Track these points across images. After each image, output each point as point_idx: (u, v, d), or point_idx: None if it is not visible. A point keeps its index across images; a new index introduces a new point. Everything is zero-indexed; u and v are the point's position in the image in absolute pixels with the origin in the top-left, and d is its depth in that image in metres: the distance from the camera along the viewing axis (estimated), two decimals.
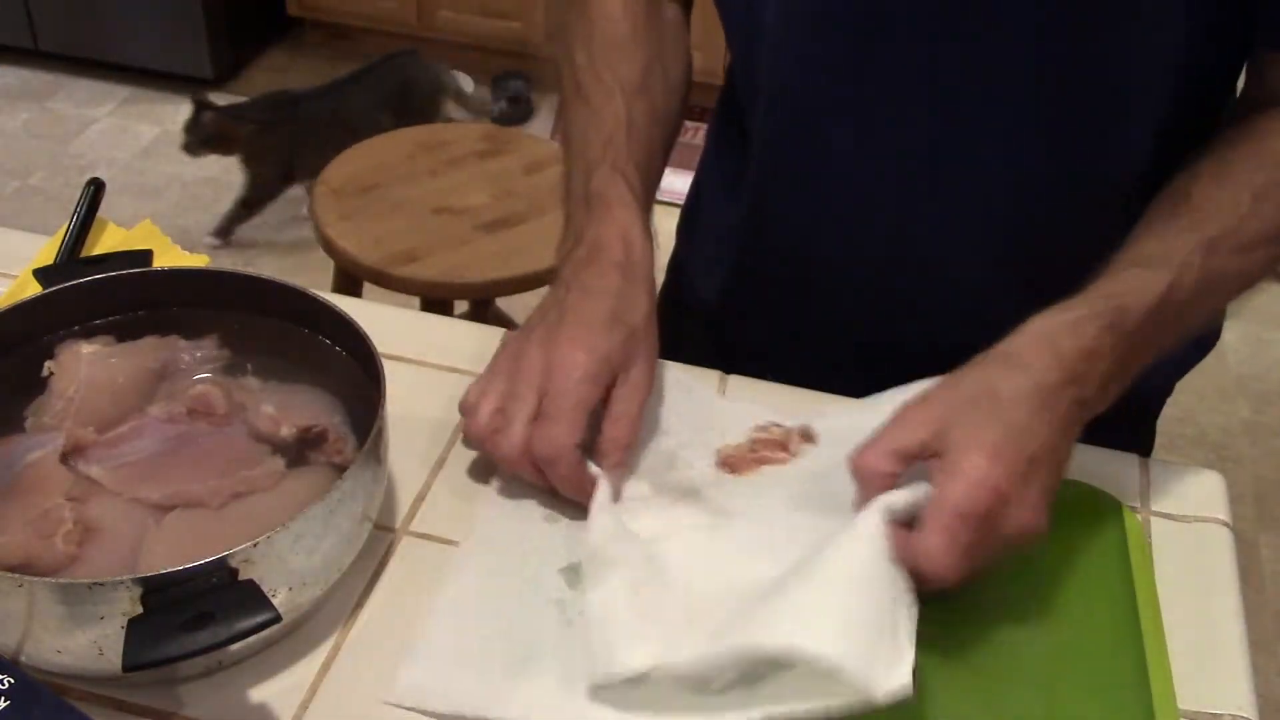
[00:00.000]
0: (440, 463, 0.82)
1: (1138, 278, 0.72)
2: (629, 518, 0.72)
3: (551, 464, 0.72)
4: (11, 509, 0.68)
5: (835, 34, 0.82)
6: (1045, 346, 0.69)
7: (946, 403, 0.69)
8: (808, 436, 0.77)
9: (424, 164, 1.97)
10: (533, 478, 0.74)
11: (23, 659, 0.63)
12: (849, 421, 0.75)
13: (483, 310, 2.10)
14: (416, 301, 1.82)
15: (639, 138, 0.84)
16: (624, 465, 0.74)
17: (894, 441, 0.68)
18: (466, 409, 0.76)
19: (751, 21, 0.86)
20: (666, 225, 0.98)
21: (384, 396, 0.70)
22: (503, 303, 2.15)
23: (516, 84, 3.22)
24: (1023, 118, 0.81)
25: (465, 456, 0.82)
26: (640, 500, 0.74)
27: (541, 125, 3.18)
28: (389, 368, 0.72)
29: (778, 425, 0.80)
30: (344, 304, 0.78)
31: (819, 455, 0.77)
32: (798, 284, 0.96)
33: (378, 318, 0.84)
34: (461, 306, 2.02)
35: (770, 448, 0.77)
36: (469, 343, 0.92)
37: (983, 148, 0.82)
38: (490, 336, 0.92)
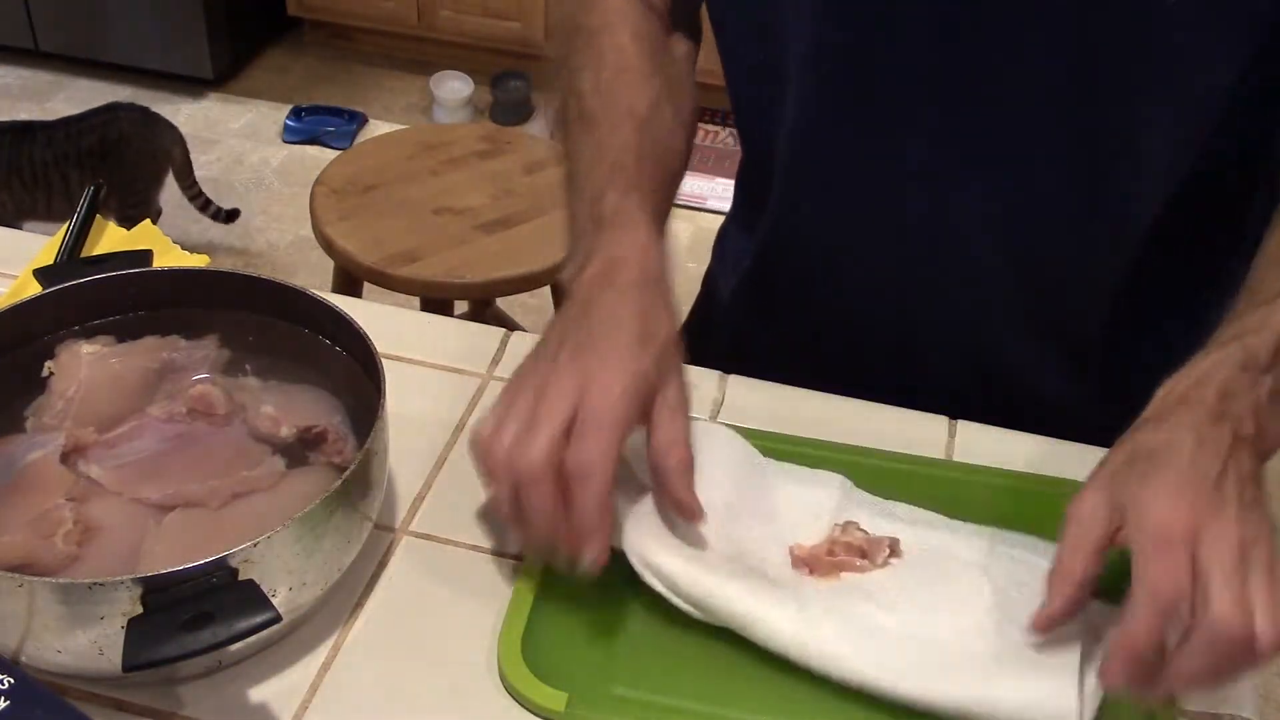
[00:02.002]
0: (440, 463, 0.82)
1: (1261, 314, 0.70)
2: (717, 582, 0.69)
3: (583, 480, 0.64)
4: (11, 509, 0.68)
5: (854, 69, 0.82)
6: (1179, 401, 0.67)
7: (1106, 483, 0.65)
8: (895, 551, 0.73)
9: (424, 164, 1.97)
10: (542, 503, 0.65)
11: (23, 659, 0.63)
12: (937, 542, 0.73)
13: (482, 310, 2.10)
14: (416, 301, 1.82)
15: (647, 168, 0.79)
16: (692, 502, 0.69)
17: (1083, 540, 0.65)
18: (483, 432, 0.68)
19: (769, 62, 0.86)
20: (676, 226, 0.98)
21: (384, 396, 0.70)
22: (503, 302, 2.15)
23: (516, 84, 3.22)
24: (1038, 143, 0.81)
25: (465, 456, 0.82)
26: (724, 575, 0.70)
27: (541, 125, 3.18)
28: (389, 368, 0.72)
29: (859, 528, 0.74)
30: (344, 304, 0.78)
31: (906, 572, 0.72)
32: (813, 298, 0.97)
33: (378, 318, 0.84)
34: (461, 306, 2.02)
35: (851, 553, 0.73)
36: (469, 343, 0.92)
37: (999, 172, 0.82)
38: (490, 336, 0.92)
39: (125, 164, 2.46)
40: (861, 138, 0.85)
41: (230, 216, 2.67)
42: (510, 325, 1.91)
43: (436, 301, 1.82)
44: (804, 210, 0.92)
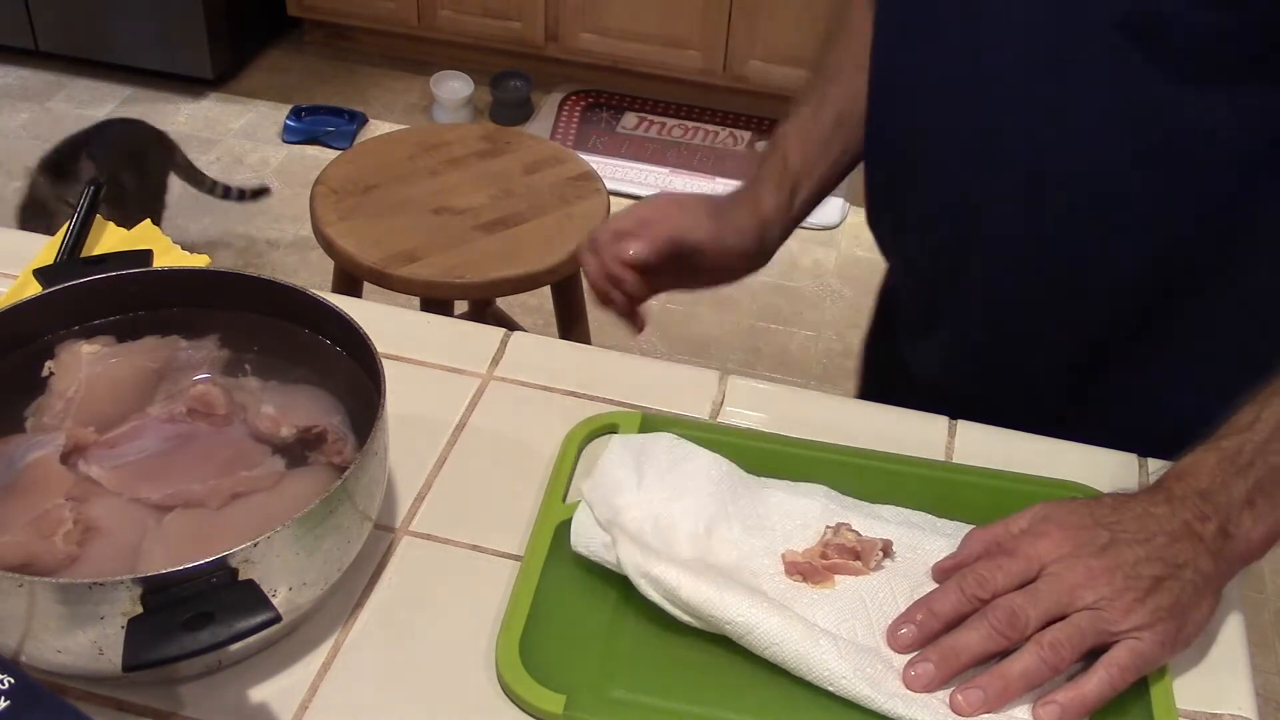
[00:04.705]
0: (440, 463, 0.82)
1: (1251, 412, 0.72)
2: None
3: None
4: (11, 509, 0.68)
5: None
6: (1152, 487, 0.72)
7: (1049, 503, 0.72)
8: (888, 552, 0.74)
9: (424, 164, 1.97)
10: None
11: (23, 659, 0.63)
12: (929, 544, 0.75)
13: (482, 310, 2.10)
14: (416, 301, 1.82)
15: (816, 133, 0.98)
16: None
17: (993, 526, 0.73)
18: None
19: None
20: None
21: (384, 396, 0.70)
22: (503, 302, 2.15)
23: (516, 84, 3.22)
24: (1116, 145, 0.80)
25: (465, 456, 0.82)
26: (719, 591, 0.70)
27: (541, 125, 3.18)
28: (389, 368, 0.72)
29: (850, 529, 0.75)
30: (344, 304, 0.78)
31: (899, 572, 0.73)
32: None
33: (378, 318, 0.84)
34: (461, 306, 2.02)
35: (844, 554, 0.73)
36: (469, 343, 0.92)
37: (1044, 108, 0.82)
38: (490, 336, 0.92)
39: (148, 168, 2.50)
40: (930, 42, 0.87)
41: (257, 194, 2.69)
42: (510, 325, 1.91)
43: (436, 301, 1.82)
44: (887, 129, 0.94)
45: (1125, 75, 0.77)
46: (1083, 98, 0.80)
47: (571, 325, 1.97)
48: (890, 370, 1.06)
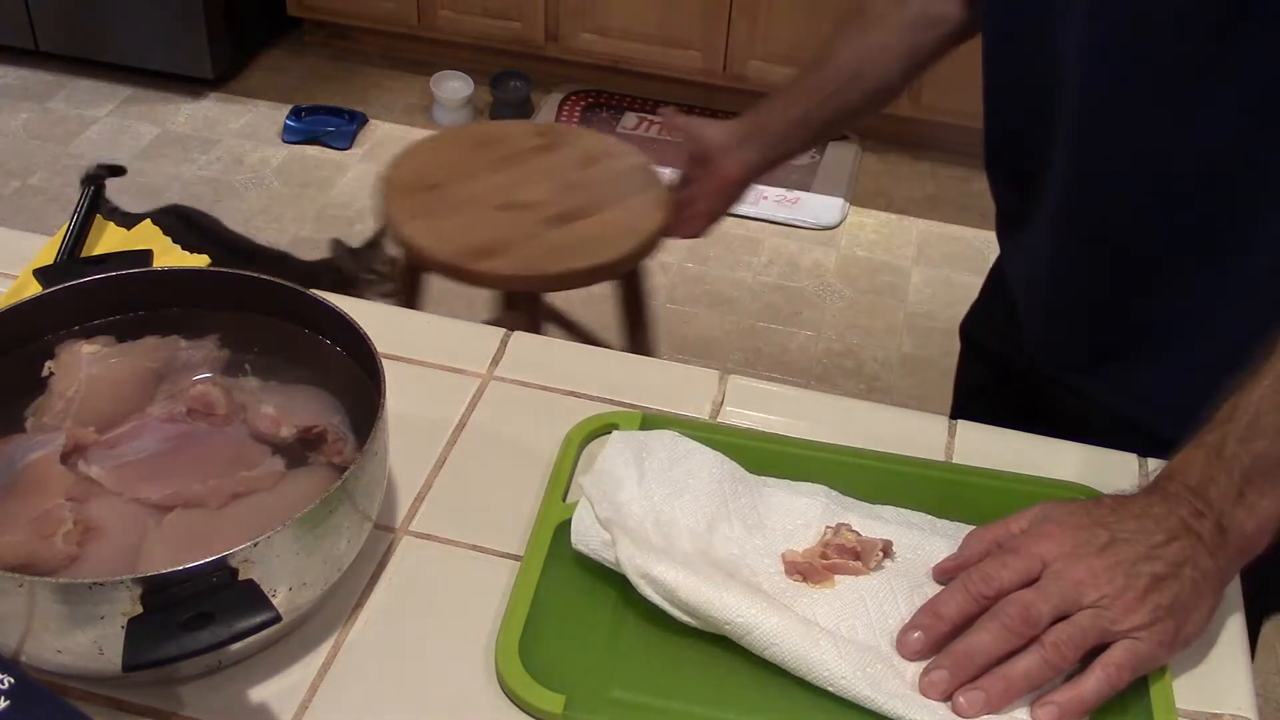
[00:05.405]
0: (440, 463, 0.82)
1: (1229, 404, 0.72)
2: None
3: None
4: (12, 509, 0.68)
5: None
6: (1146, 490, 0.72)
7: (1048, 504, 0.73)
8: (888, 552, 0.74)
9: (482, 161, 1.95)
10: None
11: (23, 659, 0.63)
12: (929, 545, 0.75)
13: (532, 307, 2.09)
14: (446, 301, 1.81)
15: (816, 78, 1.16)
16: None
17: (996, 525, 0.74)
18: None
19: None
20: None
21: (384, 396, 0.70)
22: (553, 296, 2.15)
23: (516, 84, 3.22)
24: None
25: (465, 456, 0.82)
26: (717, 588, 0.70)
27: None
28: (389, 368, 0.72)
29: (850, 529, 0.75)
30: (344, 304, 0.78)
31: (899, 572, 0.73)
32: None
33: (378, 318, 0.84)
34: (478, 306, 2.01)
35: (844, 555, 0.73)
36: (469, 343, 0.92)
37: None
38: (490, 336, 0.92)
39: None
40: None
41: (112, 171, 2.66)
42: (558, 320, 1.92)
43: (519, 296, 1.82)
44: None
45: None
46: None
47: (636, 323, 1.97)
48: (990, 338, 1.13)
